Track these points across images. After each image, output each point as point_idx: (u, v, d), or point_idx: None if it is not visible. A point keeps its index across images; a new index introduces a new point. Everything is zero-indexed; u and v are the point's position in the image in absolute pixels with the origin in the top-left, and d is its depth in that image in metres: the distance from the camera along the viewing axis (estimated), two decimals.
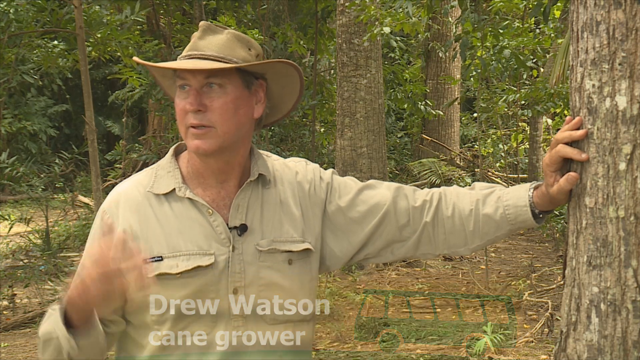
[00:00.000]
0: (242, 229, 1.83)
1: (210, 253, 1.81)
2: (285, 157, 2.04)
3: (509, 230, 1.86)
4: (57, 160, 13.06)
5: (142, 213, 1.83)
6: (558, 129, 1.76)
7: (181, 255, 1.80)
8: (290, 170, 1.95)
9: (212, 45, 1.82)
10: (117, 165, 15.15)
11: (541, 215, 1.83)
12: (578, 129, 1.67)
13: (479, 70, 8.32)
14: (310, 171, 1.97)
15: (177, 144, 1.94)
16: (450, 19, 11.50)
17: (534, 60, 9.49)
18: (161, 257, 1.80)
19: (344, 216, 1.93)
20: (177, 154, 1.92)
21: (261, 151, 1.95)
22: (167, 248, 1.81)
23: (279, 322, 1.84)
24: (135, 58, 1.93)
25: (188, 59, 1.81)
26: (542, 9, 5.51)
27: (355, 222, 1.93)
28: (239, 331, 1.81)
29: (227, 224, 1.83)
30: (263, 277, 1.83)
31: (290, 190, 1.91)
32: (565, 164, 1.72)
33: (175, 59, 1.90)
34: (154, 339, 1.81)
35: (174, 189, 1.84)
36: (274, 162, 1.95)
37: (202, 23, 1.87)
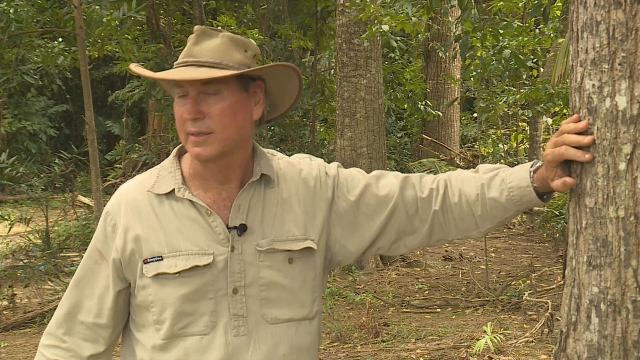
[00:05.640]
0: (242, 229, 1.83)
1: (209, 253, 1.81)
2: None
3: (517, 210, 1.85)
4: (57, 160, 13.06)
5: (143, 213, 1.85)
6: (558, 129, 1.74)
7: (180, 255, 1.81)
8: (295, 167, 1.94)
9: (206, 51, 1.81)
10: (117, 165, 15.16)
11: (545, 196, 1.82)
12: (584, 132, 1.65)
13: (479, 70, 8.32)
14: (315, 167, 1.96)
15: (180, 145, 1.94)
16: (450, 19, 11.50)
17: (534, 60, 9.50)
18: (161, 256, 1.82)
19: (355, 211, 1.92)
20: (179, 155, 1.93)
21: (266, 150, 1.95)
22: (167, 248, 1.82)
23: (280, 321, 1.84)
24: (132, 66, 1.91)
25: (184, 66, 1.81)
26: (542, 9, 5.51)
27: (366, 216, 1.92)
28: (240, 331, 1.81)
29: (227, 225, 1.83)
30: (263, 276, 1.84)
31: (294, 188, 1.91)
32: (567, 160, 1.71)
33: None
34: (154, 338, 1.83)
35: (174, 189, 1.85)
36: (279, 161, 1.94)
37: (196, 27, 1.86)
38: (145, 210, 1.85)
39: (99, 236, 1.88)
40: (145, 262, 1.82)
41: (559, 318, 4.22)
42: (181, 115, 1.80)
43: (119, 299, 1.88)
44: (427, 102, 12.95)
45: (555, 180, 1.70)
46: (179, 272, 1.80)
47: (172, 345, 1.81)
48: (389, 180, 1.94)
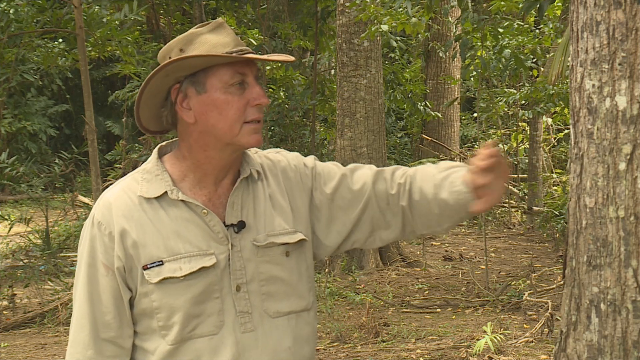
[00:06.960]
0: (240, 226, 1.84)
1: (210, 253, 1.80)
2: None
3: (468, 212, 1.85)
4: (57, 160, 13.06)
5: (136, 218, 1.81)
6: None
7: (182, 257, 1.79)
8: (272, 161, 1.95)
9: (241, 41, 1.84)
10: (117, 165, 15.14)
11: None
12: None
13: (479, 70, 8.32)
14: (293, 158, 1.97)
15: (159, 146, 1.91)
16: (450, 19, 11.50)
17: (534, 60, 9.49)
18: (161, 261, 1.79)
19: (331, 204, 1.94)
20: (160, 156, 1.90)
21: None
22: (166, 252, 1.80)
23: (282, 314, 1.85)
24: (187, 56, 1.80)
25: (242, 54, 1.79)
26: (537, 6, 5.49)
27: (341, 209, 1.93)
28: (246, 328, 1.82)
29: (224, 222, 1.83)
30: (263, 271, 1.84)
31: (275, 182, 1.92)
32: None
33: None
34: (161, 345, 1.81)
35: (166, 192, 1.82)
36: (256, 155, 1.95)
37: (220, 20, 1.86)
38: (138, 215, 1.81)
39: (98, 248, 1.81)
40: (145, 268, 1.79)
41: (559, 318, 4.22)
42: (247, 102, 1.79)
43: (129, 307, 1.83)
44: (427, 103, 12.95)
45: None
46: (185, 276, 1.78)
47: (182, 349, 1.80)
48: (364, 173, 1.95)
